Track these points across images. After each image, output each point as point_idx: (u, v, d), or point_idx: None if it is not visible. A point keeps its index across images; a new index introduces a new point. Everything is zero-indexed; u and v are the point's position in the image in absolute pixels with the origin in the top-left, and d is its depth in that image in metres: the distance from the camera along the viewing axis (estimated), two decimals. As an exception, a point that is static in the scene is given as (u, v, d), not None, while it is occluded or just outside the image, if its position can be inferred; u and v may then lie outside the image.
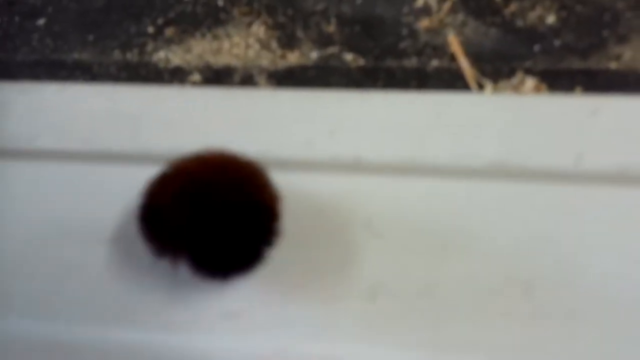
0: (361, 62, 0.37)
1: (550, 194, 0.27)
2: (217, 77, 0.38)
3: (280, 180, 0.28)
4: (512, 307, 0.26)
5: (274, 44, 0.39)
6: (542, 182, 0.28)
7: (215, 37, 0.39)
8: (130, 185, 0.30)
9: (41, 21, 0.41)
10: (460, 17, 0.38)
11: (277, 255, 0.27)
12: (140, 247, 0.28)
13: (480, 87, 0.35)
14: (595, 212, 0.27)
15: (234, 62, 0.38)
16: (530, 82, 0.34)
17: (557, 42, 0.36)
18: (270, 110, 0.32)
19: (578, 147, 0.28)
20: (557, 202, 0.27)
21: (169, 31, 0.40)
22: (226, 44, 0.39)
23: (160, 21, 0.40)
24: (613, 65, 0.35)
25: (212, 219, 0.26)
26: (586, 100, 0.30)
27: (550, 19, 0.37)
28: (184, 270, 0.27)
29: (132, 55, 0.40)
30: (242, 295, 0.28)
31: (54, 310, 0.29)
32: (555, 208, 0.27)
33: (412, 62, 0.37)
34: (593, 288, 0.26)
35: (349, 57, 0.38)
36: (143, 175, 0.28)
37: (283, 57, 0.38)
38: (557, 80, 0.35)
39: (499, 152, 0.29)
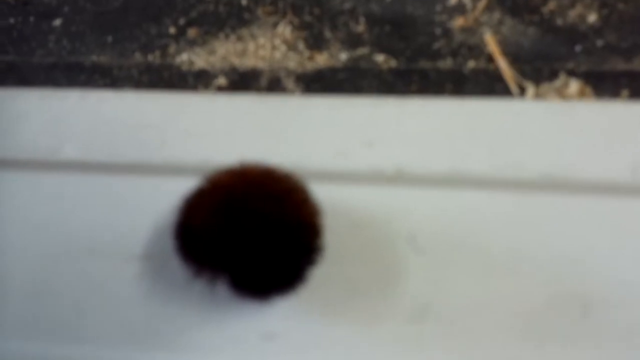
0: (393, 63, 0.36)
1: (605, 207, 0.26)
2: (243, 80, 0.37)
3: (318, 193, 0.27)
4: (568, 327, 0.25)
5: (301, 45, 0.37)
6: (596, 195, 0.26)
7: (240, 39, 0.38)
8: (158, 197, 0.29)
9: (57, 22, 0.40)
10: (497, 15, 0.36)
11: (318, 274, 0.26)
12: (173, 265, 0.26)
13: (522, 90, 0.33)
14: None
15: (260, 64, 0.37)
16: (574, 84, 0.33)
17: (599, 42, 0.34)
18: (302, 118, 0.30)
19: (634, 156, 0.27)
20: (613, 215, 0.26)
21: (192, 32, 0.38)
22: (251, 46, 0.38)
23: (181, 21, 0.39)
24: (659, 66, 0.33)
25: (252, 237, 0.25)
26: (637, 107, 0.28)
27: (592, 18, 0.35)
28: (221, 290, 0.26)
29: (153, 58, 0.38)
30: (281, 316, 0.27)
31: (80, 332, 0.28)
32: (611, 222, 0.26)
33: (447, 63, 0.35)
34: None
35: (380, 58, 0.36)
36: (172, 187, 0.27)
37: (311, 58, 0.37)
38: (601, 82, 0.34)
39: (548, 163, 0.27)
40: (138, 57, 0.38)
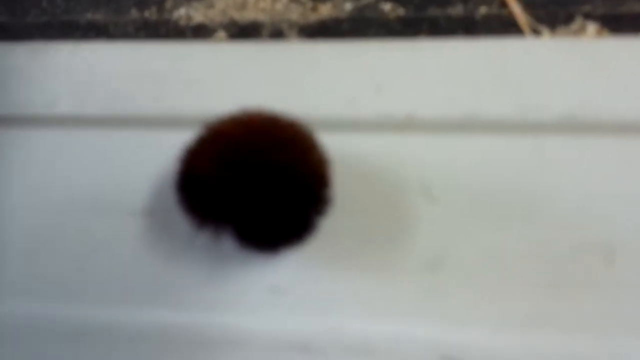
0: (401, 11, 0.35)
1: (628, 148, 0.25)
2: (244, 33, 0.35)
3: (326, 142, 0.26)
4: (591, 275, 0.24)
5: (303, -4, 0.36)
6: (619, 136, 0.25)
7: (240, -10, 0.36)
8: (159, 150, 0.28)
9: (50, -20, 0.39)
10: (509, -42, 0.34)
11: (327, 225, 0.25)
12: (177, 219, 0.25)
13: (536, 34, 0.32)
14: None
15: (260, 16, 0.36)
16: (592, 27, 0.31)
17: (617, -17, 0.33)
18: (307, 66, 0.29)
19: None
20: (638, 156, 0.25)
21: (189, -15, 0.37)
22: (252, -3, 0.36)
23: (178, -26, 0.37)
24: (681, 6, 0.32)
25: (257, 187, 0.24)
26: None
27: (608, -42, 0.33)
28: (227, 243, 0.25)
29: (150, 14, 0.37)
30: (290, 269, 0.26)
31: (83, 289, 0.27)
32: (635, 163, 0.25)
33: (457, 9, 0.34)
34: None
35: (386, 6, 0.35)
36: (171, 140, 0.26)
37: (314, 9, 0.36)
38: (619, 24, 0.32)
39: (568, 104, 0.26)
40: (134, 13, 0.37)
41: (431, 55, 0.28)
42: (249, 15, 0.36)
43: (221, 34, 0.35)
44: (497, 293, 0.24)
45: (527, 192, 0.25)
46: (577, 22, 0.32)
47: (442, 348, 0.24)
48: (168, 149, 0.26)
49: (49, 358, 0.26)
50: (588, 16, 0.32)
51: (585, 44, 0.28)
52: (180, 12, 0.36)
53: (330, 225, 0.25)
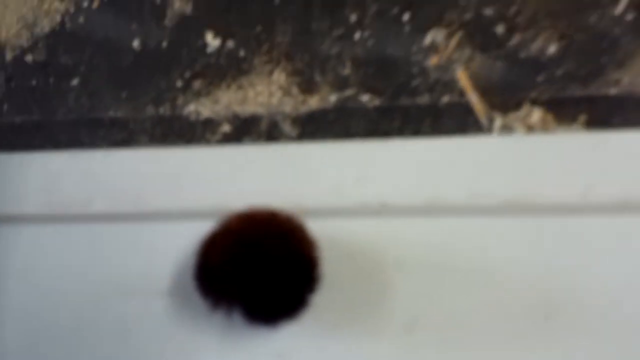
0: (377, 102, 0.40)
1: (561, 225, 0.30)
2: (245, 125, 0.41)
3: (315, 228, 0.31)
4: (535, 331, 0.29)
5: (294, 90, 0.42)
6: (553, 216, 0.31)
7: (240, 87, 0.42)
8: (178, 240, 0.33)
9: (75, 81, 0.44)
10: (467, 52, 0.40)
11: (319, 299, 0.30)
12: (196, 299, 0.31)
13: (490, 120, 0.38)
14: (605, 241, 0.30)
15: (259, 110, 0.41)
16: (537, 113, 0.37)
17: (559, 71, 0.38)
18: (298, 162, 0.35)
19: (585, 180, 0.31)
20: (570, 233, 0.30)
21: (197, 84, 0.43)
22: (251, 93, 0.42)
23: (187, 74, 0.43)
24: (613, 90, 0.37)
25: (260, 273, 0.29)
26: (589, 135, 0.32)
27: (552, 49, 0.39)
28: (237, 318, 0.31)
29: (164, 110, 0.42)
30: (290, 338, 0.31)
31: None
32: (567, 239, 0.30)
33: (424, 99, 0.39)
34: (606, 310, 0.29)
35: (365, 97, 0.40)
36: (188, 231, 0.31)
37: (304, 102, 0.41)
38: (561, 109, 0.37)
39: (511, 190, 0.31)
40: (150, 110, 0.43)
41: (400, 151, 0.33)
42: (249, 108, 0.42)
43: (226, 127, 0.41)
44: (461, 347, 0.29)
45: (482, 264, 0.31)
46: (525, 108, 0.38)
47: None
48: (185, 237, 0.31)
49: None
50: (535, 101, 0.38)
51: (528, 139, 0.33)
52: (190, 108, 0.42)
53: (322, 299, 0.30)
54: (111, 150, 0.36)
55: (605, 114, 0.37)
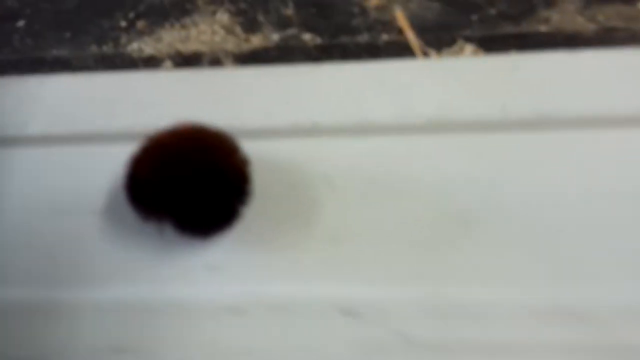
0: (318, 40, 0.41)
1: (480, 141, 0.32)
2: (187, 62, 0.41)
3: (248, 148, 0.32)
4: (453, 239, 0.31)
5: (237, 29, 0.42)
6: (472, 132, 0.32)
7: (183, 27, 0.43)
8: (114, 161, 0.33)
9: (20, 23, 0.44)
10: (405, -7, 0.41)
11: (250, 213, 0.31)
12: (128, 215, 0.31)
13: (425, 55, 0.39)
14: (521, 155, 0.32)
15: (202, 48, 0.42)
16: (469, 48, 0.38)
17: (492, 11, 0.40)
18: (234, 87, 0.35)
19: (504, 97, 0.33)
20: (487, 148, 0.32)
21: (140, 24, 0.43)
22: (194, 32, 0.42)
23: (131, 15, 0.43)
24: (543, 28, 0.39)
25: (191, 184, 0.29)
26: (509, 58, 0.34)
27: (486, -10, 0.40)
28: (169, 231, 0.31)
29: (107, 48, 0.43)
30: (221, 250, 0.32)
31: (54, 275, 0.33)
32: (485, 155, 0.32)
33: (364, 37, 0.41)
34: (522, 221, 0.31)
35: (307, 36, 0.41)
36: (124, 152, 0.32)
37: (247, 40, 0.42)
38: (493, 45, 0.39)
39: (434, 109, 0.33)
40: (94, 49, 0.43)
41: (334, 76, 0.34)
42: (191, 46, 0.42)
43: (168, 63, 0.41)
44: (384, 257, 0.31)
45: (403, 179, 0.32)
46: (458, 44, 0.39)
47: (343, 303, 0.30)
48: (121, 159, 0.32)
49: (24, 334, 0.32)
50: (468, 39, 0.39)
51: (452, 63, 0.35)
52: (134, 46, 0.42)
53: (252, 212, 0.31)
54: (47, 76, 0.36)
55: (535, 50, 0.38)
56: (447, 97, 0.33)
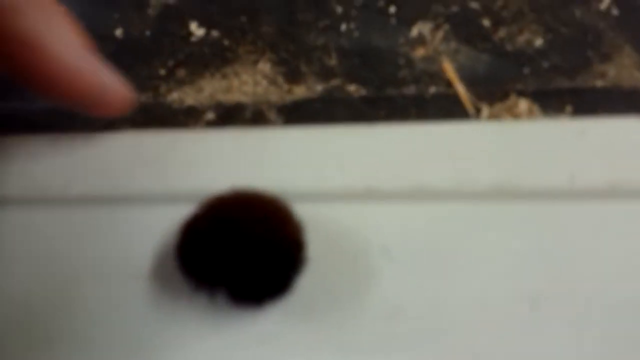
0: (363, 92, 0.40)
1: (547, 212, 0.30)
2: (229, 114, 0.40)
3: (300, 212, 0.31)
4: (520, 322, 0.29)
5: (280, 80, 0.41)
6: (538, 202, 0.30)
7: (224, 76, 0.42)
8: (160, 224, 0.32)
9: (56, 69, 0.43)
10: (453, 44, 0.40)
11: (303, 282, 0.30)
12: (178, 282, 0.30)
13: (477, 110, 0.38)
14: (591, 227, 0.30)
15: (244, 99, 0.41)
16: (523, 103, 0.37)
17: (545, 64, 0.39)
18: (283, 147, 0.34)
19: (571, 166, 0.31)
20: (555, 219, 0.30)
21: (180, 72, 0.42)
22: (235, 82, 0.42)
23: (170, 63, 0.42)
24: (599, 83, 0.38)
25: (244, 254, 0.28)
26: (574, 122, 0.33)
27: (538, 42, 0.39)
28: (220, 301, 0.30)
29: (146, 98, 0.42)
30: (274, 321, 0.30)
31: (97, 345, 0.31)
32: (553, 226, 0.30)
33: (410, 89, 0.39)
34: (594, 298, 0.29)
35: (351, 88, 0.40)
36: (170, 215, 0.31)
37: (290, 91, 0.41)
38: (547, 100, 0.38)
39: (496, 176, 0.31)
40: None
41: (385, 136, 0.33)
42: (233, 97, 0.41)
43: (210, 115, 0.40)
44: (445, 337, 0.29)
45: (463, 251, 0.30)
46: (511, 98, 0.38)
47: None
48: (167, 222, 0.31)
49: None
50: (521, 93, 0.38)
51: (514, 125, 0.33)
52: (173, 96, 0.42)
53: (306, 283, 0.30)
54: (91, 135, 0.35)
55: (591, 105, 0.37)
56: (509, 163, 0.31)
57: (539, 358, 0.28)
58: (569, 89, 0.38)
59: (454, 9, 0.41)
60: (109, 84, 0.32)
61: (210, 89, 0.41)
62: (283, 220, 0.30)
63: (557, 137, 0.32)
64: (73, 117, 0.41)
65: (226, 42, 0.42)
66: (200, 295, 0.30)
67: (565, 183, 0.31)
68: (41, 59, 0.29)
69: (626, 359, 0.28)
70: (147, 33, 0.43)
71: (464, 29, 0.40)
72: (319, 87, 0.41)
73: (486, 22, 0.40)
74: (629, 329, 0.28)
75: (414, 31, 0.41)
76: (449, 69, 0.39)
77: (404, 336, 0.29)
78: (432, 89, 0.39)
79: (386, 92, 0.40)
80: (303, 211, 0.31)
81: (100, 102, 0.32)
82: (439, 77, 0.40)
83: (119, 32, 0.43)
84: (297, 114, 0.40)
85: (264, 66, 0.42)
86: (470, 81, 0.39)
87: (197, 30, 0.43)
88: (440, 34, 0.40)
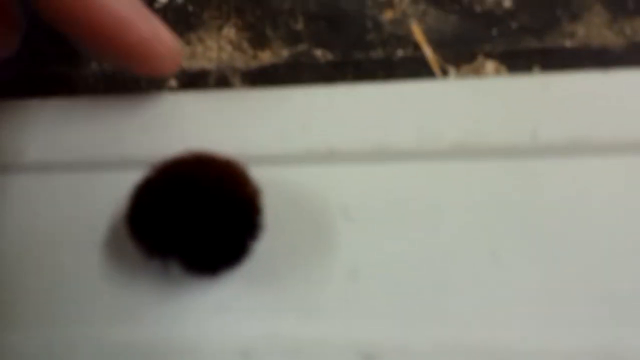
0: (330, 56, 0.39)
1: (508, 168, 0.29)
2: (193, 81, 0.39)
3: (258, 175, 0.30)
4: (480, 274, 0.28)
5: (245, 45, 0.40)
6: (500, 158, 0.30)
7: (188, 42, 0.41)
8: (115, 190, 0.31)
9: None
10: (422, 6, 0.39)
11: (261, 247, 0.29)
12: (132, 249, 0.29)
13: (444, 72, 0.37)
14: (552, 182, 0.29)
15: (208, 65, 0.40)
16: (490, 64, 0.36)
17: (514, 25, 0.38)
18: (243, 110, 0.33)
19: (533, 122, 0.30)
20: (516, 175, 0.29)
21: (143, 39, 0.41)
22: (199, 48, 0.40)
23: (133, 30, 0.41)
24: (568, 43, 0.37)
25: (197, 219, 0.27)
26: (536, 78, 0.32)
27: (507, 3, 0.38)
28: (174, 268, 0.29)
29: (107, 65, 0.41)
30: (230, 288, 0.30)
31: (50, 315, 0.31)
32: (514, 181, 0.29)
33: (378, 53, 0.38)
34: (553, 250, 0.28)
35: (318, 52, 0.39)
36: (126, 180, 0.30)
37: (255, 57, 0.40)
38: (515, 61, 0.37)
39: (458, 133, 0.31)
40: (94, 66, 0.41)
41: (349, 97, 0.32)
42: (197, 64, 0.40)
43: (172, 82, 0.39)
44: (407, 295, 0.28)
45: (427, 209, 0.30)
46: (479, 60, 0.37)
47: (362, 346, 0.28)
48: (123, 188, 0.30)
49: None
50: (488, 55, 0.37)
51: (477, 83, 0.33)
52: (136, 64, 0.40)
53: (264, 247, 0.29)
54: (48, 100, 0.34)
55: (560, 66, 0.36)
56: (472, 121, 0.30)
57: (502, 309, 0.28)
58: (537, 50, 0.37)
59: (423, -30, 0.40)
60: (161, 34, 0.31)
61: (173, 56, 0.40)
62: (238, 182, 0.29)
63: (521, 93, 0.31)
64: (32, 87, 0.40)
65: (190, 8, 0.41)
66: (154, 263, 0.29)
67: (527, 139, 0.30)
68: (91, 9, 0.28)
69: (585, 309, 0.27)
70: (109, -1, 0.42)
71: (433, -10, 0.39)
72: (285, 52, 0.40)
73: (455, -17, 0.39)
74: (587, 279, 0.28)
75: (382, -7, 0.39)
76: (418, 32, 0.38)
77: (366, 297, 0.29)
78: (400, 52, 0.38)
79: (354, 56, 0.39)
80: (261, 174, 0.30)
81: (152, 54, 0.31)
82: (407, 40, 0.39)
83: (80, -1, 0.42)
84: (262, 79, 0.39)
85: (229, 31, 0.41)
86: (438, 43, 0.38)
87: (160, -5, 0.42)
88: (408, -4, 0.39)
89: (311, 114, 0.32)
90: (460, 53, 0.37)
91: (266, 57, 0.40)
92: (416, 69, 0.38)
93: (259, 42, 0.40)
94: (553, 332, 0.28)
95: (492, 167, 0.30)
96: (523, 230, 0.29)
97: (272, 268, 0.30)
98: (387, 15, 0.39)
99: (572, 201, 0.29)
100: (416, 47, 0.38)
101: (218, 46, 0.40)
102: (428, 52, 0.38)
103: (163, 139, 0.32)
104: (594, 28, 0.37)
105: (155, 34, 0.31)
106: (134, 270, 0.30)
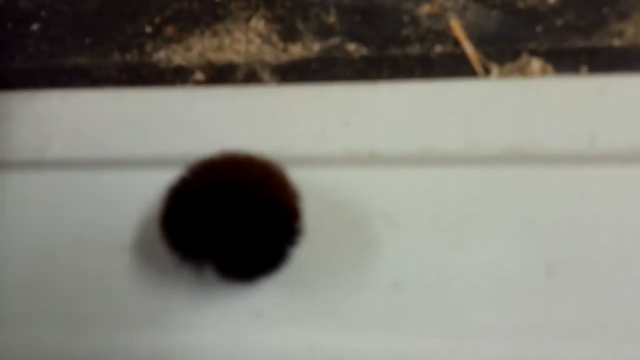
0: (364, 51, 0.37)
1: (565, 176, 0.28)
2: (220, 74, 0.38)
3: (297, 177, 0.28)
4: (534, 289, 0.27)
5: (274, 38, 0.39)
6: (556, 165, 0.28)
7: (215, 34, 0.39)
8: (144, 190, 0.30)
9: (35, 26, 0.41)
10: (462, 1, 0.37)
11: (300, 253, 0.28)
12: (163, 252, 0.28)
13: (487, 70, 0.35)
14: (612, 191, 0.28)
15: (236, 58, 0.38)
16: (536, 63, 0.34)
17: (559, 22, 0.36)
18: (279, 107, 0.32)
19: (591, 127, 0.29)
20: (573, 183, 0.28)
21: (168, 30, 0.39)
22: (227, 40, 0.39)
23: (157, 20, 0.40)
24: (616, 42, 0.35)
25: (234, 223, 0.26)
26: (593, 81, 0.30)
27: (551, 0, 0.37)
28: (208, 273, 0.28)
29: (131, 57, 0.39)
30: (266, 295, 0.28)
31: (76, 319, 0.29)
32: (571, 190, 0.28)
33: (415, 49, 0.37)
34: (612, 265, 0.27)
35: (351, 47, 0.38)
36: (155, 180, 0.28)
37: (285, 50, 0.38)
38: (561, 60, 0.35)
39: (510, 138, 0.29)
40: (116, 56, 0.39)
41: (390, 96, 0.31)
42: (224, 56, 0.38)
43: (199, 75, 0.38)
44: (452, 307, 0.27)
45: (475, 217, 0.28)
46: (523, 58, 0.35)
47: (403, 357, 0.26)
48: (152, 187, 0.28)
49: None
50: (533, 52, 0.36)
51: (528, 84, 0.31)
52: (160, 55, 0.39)
53: (303, 253, 0.28)
54: (70, 91, 0.32)
55: (608, 65, 0.34)
56: (524, 124, 0.29)
57: (555, 326, 0.26)
58: (584, 49, 0.35)
59: (462, -37, 0.38)
60: None
61: (199, 48, 0.39)
62: (277, 186, 0.27)
63: (575, 96, 0.29)
64: (53, 78, 0.38)
65: (217, -3, 0.40)
66: (187, 268, 0.28)
67: (584, 145, 0.28)
68: None
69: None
70: (133, -12, 0.40)
71: (473, -16, 0.37)
72: (317, 46, 0.38)
73: (496, -23, 0.38)
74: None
75: (419, -14, 0.38)
76: (457, 27, 0.37)
77: (408, 308, 0.27)
78: (438, 48, 0.36)
79: (389, 52, 0.37)
80: (299, 177, 0.28)
81: None
82: (445, 35, 0.37)
83: (102, -13, 0.41)
84: (293, 74, 0.37)
85: (258, 23, 0.39)
86: (479, 40, 0.36)
87: (186, -16, 0.40)
88: (447, -11, 0.37)
89: (352, 113, 0.31)
90: (503, 50, 0.36)
91: (297, 51, 0.38)
92: (456, 66, 0.36)
93: (289, 35, 0.38)
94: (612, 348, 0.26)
95: (547, 174, 0.28)
96: (580, 243, 0.27)
97: (310, 275, 0.28)
98: (425, 10, 0.38)
99: (635, 211, 0.27)
100: (455, 43, 0.37)
101: (246, 38, 0.39)
102: (468, 48, 0.36)
103: (193, 137, 0.31)
104: (644, 27, 0.35)
105: None
106: (165, 274, 0.29)
